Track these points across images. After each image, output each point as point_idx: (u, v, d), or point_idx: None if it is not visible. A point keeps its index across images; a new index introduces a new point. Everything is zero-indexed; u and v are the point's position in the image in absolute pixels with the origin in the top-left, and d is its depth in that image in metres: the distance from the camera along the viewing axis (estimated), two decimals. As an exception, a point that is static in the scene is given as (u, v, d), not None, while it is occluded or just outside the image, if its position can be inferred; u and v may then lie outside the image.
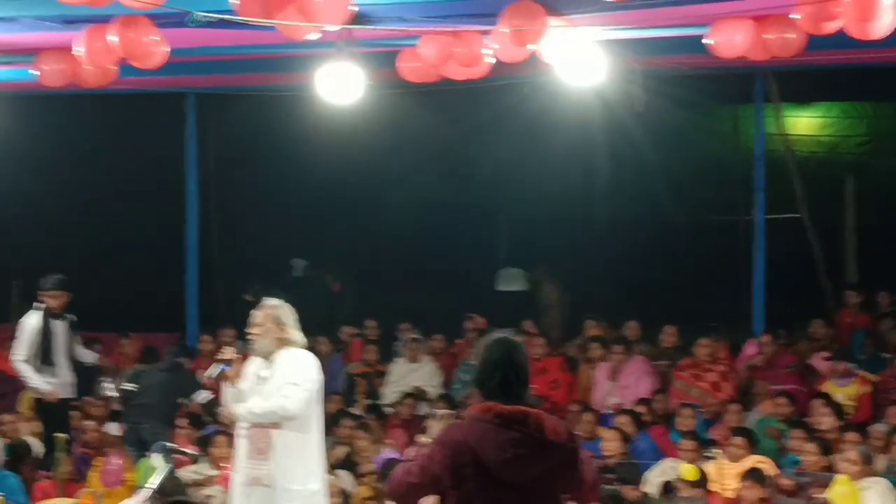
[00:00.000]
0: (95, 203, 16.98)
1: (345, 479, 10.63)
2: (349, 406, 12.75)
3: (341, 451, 11.21)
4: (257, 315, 8.48)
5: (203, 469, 10.67)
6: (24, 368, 11.50)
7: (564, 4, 8.38)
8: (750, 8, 8.50)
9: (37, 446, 11.49)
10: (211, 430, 11.51)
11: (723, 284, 15.91)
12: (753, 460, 10.17)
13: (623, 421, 11.11)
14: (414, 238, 17.69)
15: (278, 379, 8.34)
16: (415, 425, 12.02)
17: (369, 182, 17.96)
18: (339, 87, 9.25)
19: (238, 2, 7.31)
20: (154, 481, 8.37)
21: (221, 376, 8.57)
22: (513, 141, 17.15)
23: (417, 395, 12.82)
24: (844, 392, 11.51)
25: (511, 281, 17.39)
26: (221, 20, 7.62)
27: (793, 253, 14.82)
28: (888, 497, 9.37)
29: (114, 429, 11.86)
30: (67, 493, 10.29)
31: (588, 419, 11.40)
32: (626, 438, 10.74)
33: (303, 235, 17.46)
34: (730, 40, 8.72)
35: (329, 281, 17.54)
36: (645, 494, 10.09)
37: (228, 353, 8.62)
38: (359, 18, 8.27)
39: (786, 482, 9.79)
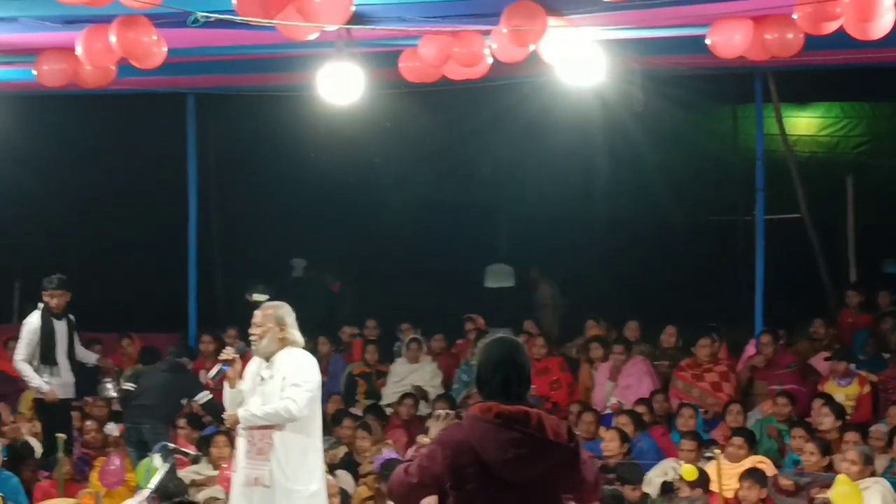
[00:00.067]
0: (96, 203, 16.97)
1: (345, 479, 10.64)
2: (349, 406, 12.75)
3: (341, 451, 11.21)
4: (258, 315, 8.49)
5: (203, 469, 10.68)
6: (24, 368, 11.50)
7: (564, 4, 8.39)
8: (749, 8, 8.50)
9: (37, 447, 11.50)
10: (211, 430, 11.52)
11: (723, 284, 15.91)
12: (753, 460, 10.17)
13: (623, 421, 11.11)
14: (414, 238, 17.69)
15: (279, 379, 8.35)
16: (415, 425, 12.03)
17: (369, 182, 17.97)
18: (339, 87, 9.25)
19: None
20: (154, 482, 8.37)
21: (222, 377, 8.58)
22: (512, 141, 17.14)
23: (418, 395, 12.84)
24: (845, 392, 11.51)
25: (499, 277, 17.39)
26: (221, 20, 7.62)
27: (793, 253, 14.82)
28: (888, 497, 9.37)
29: (114, 429, 11.87)
30: (68, 494, 10.29)
31: (589, 419, 11.39)
32: (626, 439, 10.75)
33: (303, 235, 17.46)
34: (729, 40, 8.72)
35: (329, 281, 17.55)
36: (645, 494, 10.09)
37: (229, 353, 8.63)
38: (358, 18, 8.27)
39: (786, 482, 9.79)
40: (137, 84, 11.72)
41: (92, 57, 8.70)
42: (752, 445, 10.44)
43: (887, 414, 10.98)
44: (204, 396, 11.12)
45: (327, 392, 12.25)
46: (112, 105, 14.75)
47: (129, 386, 11.54)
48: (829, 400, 10.87)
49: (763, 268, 13.01)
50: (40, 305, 11.64)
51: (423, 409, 12.62)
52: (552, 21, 8.31)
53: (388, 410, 12.67)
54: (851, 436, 10.11)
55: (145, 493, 8.29)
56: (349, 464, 11.05)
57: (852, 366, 11.75)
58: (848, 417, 10.94)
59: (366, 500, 10.38)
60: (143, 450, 10.58)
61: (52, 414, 11.52)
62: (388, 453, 10.95)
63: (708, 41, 8.78)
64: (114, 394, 12.23)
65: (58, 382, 11.56)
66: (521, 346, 5.55)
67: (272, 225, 17.47)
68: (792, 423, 10.84)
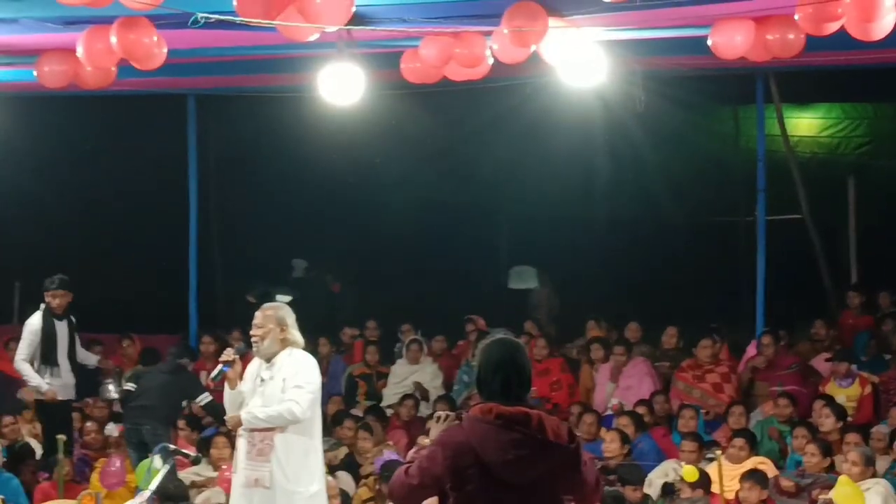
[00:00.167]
0: (96, 204, 16.97)
1: (345, 480, 10.63)
2: (350, 407, 12.75)
3: (342, 453, 11.21)
4: (258, 317, 8.49)
5: (203, 471, 10.67)
6: (24, 368, 11.50)
7: (565, 5, 8.38)
8: (751, 9, 8.49)
9: (37, 448, 11.49)
10: (211, 431, 11.51)
11: (724, 285, 15.90)
12: (754, 461, 10.16)
13: (624, 422, 11.11)
14: (414, 239, 17.69)
15: (279, 381, 8.35)
16: (415, 427, 12.03)
17: (370, 182, 17.96)
18: (340, 87, 9.25)
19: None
20: (155, 483, 8.36)
21: (223, 377, 8.57)
22: (513, 141, 17.14)
23: (419, 392, 12.85)
24: (846, 393, 11.50)
25: (523, 278, 17.32)
26: (222, 21, 7.61)
27: (794, 254, 14.81)
28: (889, 499, 9.37)
29: (113, 429, 11.86)
30: (68, 495, 10.28)
31: (589, 420, 11.39)
32: (627, 440, 10.74)
33: (303, 236, 17.46)
34: (730, 41, 8.72)
35: (329, 281, 17.55)
36: (646, 496, 10.08)
37: (229, 354, 8.63)
38: (359, 19, 8.27)
39: (787, 483, 9.79)
40: (138, 85, 11.72)
41: (92, 58, 8.70)
42: (753, 446, 10.43)
43: (888, 415, 10.98)
44: (204, 398, 11.11)
45: (327, 393, 12.25)
46: (112, 106, 14.74)
47: (129, 386, 11.54)
48: (830, 401, 10.87)
49: (764, 268, 13.00)
50: (42, 306, 11.64)
51: (424, 410, 12.61)
52: (553, 22, 8.30)
53: (389, 412, 12.67)
54: (852, 437, 10.11)
55: (145, 494, 8.27)
56: (349, 465, 11.05)
57: (853, 367, 11.75)
58: (849, 418, 10.93)
59: (366, 501, 10.38)
60: (143, 451, 10.57)
61: (52, 415, 11.51)
62: (388, 454, 10.95)
63: (709, 42, 8.77)
64: (115, 395, 12.22)
65: (58, 383, 11.55)
66: (522, 348, 5.55)
67: (273, 226, 17.46)
68: (794, 423, 10.84)
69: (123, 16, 8.16)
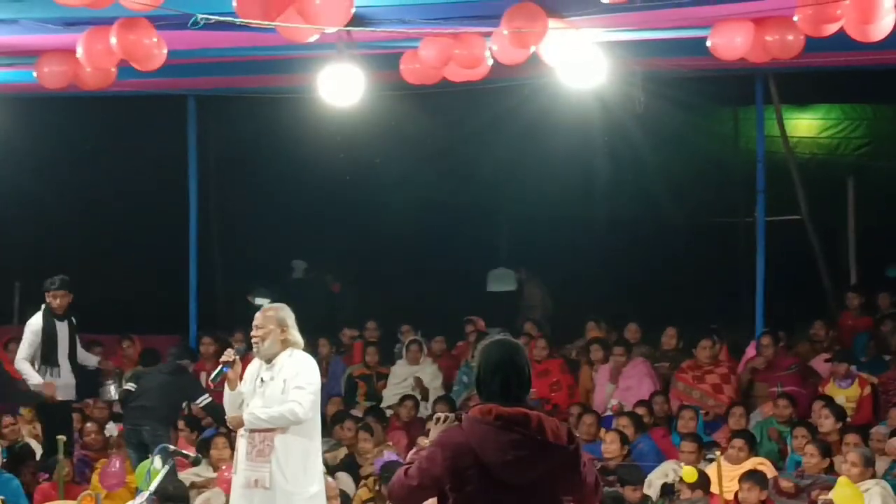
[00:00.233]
0: (96, 205, 16.97)
1: (345, 481, 10.63)
2: (349, 408, 12.75)
3: (342, 453, 11.21)
4: (259, 318, 8.49)
5: (203, 471, 10.67)
6: (24, 367, 11.50)
7: (565, 6, 8.38)
8: (750, 10, 8.49)
9: (37, 448, 11.49)
10: (210, 432, 11.51)
11: (724, 286, 15.90)
12: (754, 462, 10.17)
13: (624, 423, 11.11)
14: (414, 239, 17.69)
15: (280, 382, 8.35)
16: (415, 427, 12.03)
17: (369, 183, 17.96)
18: (340, 88, 9.25)
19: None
20: (154, 484, 8.36)
21: (223, 378, 8.57)
22: (513, 142, 17.13)
23: (420, 390, 12.86)
24: (845, 394, 11.51)
25: (501, 281, 17.37)
26: (221, 22, 7.62)
27: (794, 254, 14.81)
28: (889, 499, 9.37)
29: (112, 429, 11.85)
30: (68, 496, 10.28)
31: (589, 421, 11.39)
32: (626, 440, 10.74)
33: (303, 236, 17.45)
34: (730, 42, 8.72)
35: (329, 282, 17.54)
36: (646, 496, 10.09)
37: (230, 354, 8.63)
38: (359, 20, 8.27)
39: (786, 484, 9.79)
40: (138, 86, 11.72)
41: (92, 59, 8.71)
42: (753, 447, 10.44)
43: (888, 416, 10.97)
44: (204, 399, 11.11)
45: (327, 394, 12.25)
46: (112, 106, 14.74)
47: (129, 386, 11.54)
48: (829, 402, 10.87)
49: (764, 269, 13.00)
50: (42, 306, 11.65)
51: (424, 410, 12.62)
52: (553, 23, 8.31)
53: (389, 412, 12.67)
54: (852, 438, 10.11)
55: (145, 494, 8.27)
56: (349, 465, 11.05)
57: (853, 368, 11.76)
58: (848, 419, 10.94)
59: (366, 501, 10.38)
60: (143, 452, 10.58)
61: (52, 416, 11.52)
62: (388, 455, 10.95)
63: (709, 43, 8.78)
64: (115, 396, 12.22)
65: (59, 384, 11.55)
66: (521, 348, 5.55)
67: (272, 226, 17.46)
68: (794, 423, 10.84)
69: (123, 17, 8.17)
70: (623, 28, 9.11)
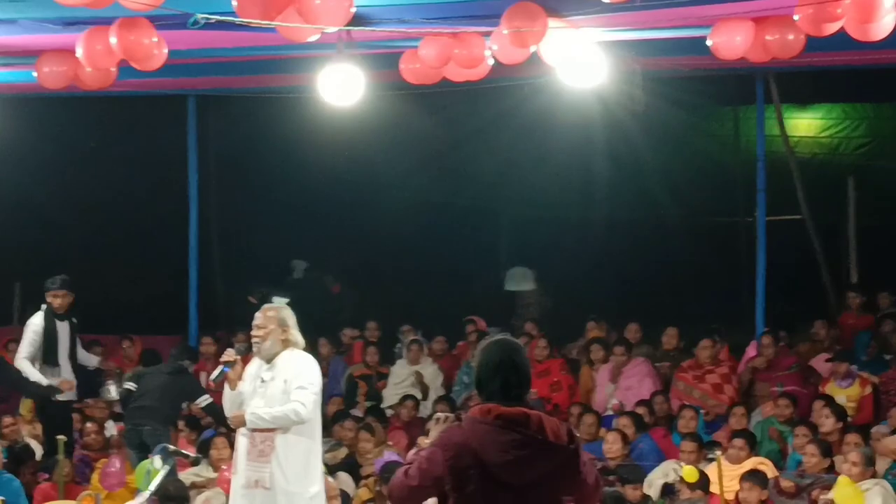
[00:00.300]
0: (96, 205, 16.97)
1: (345, 481, 10.63)
2: (350, 408, 12.74)
3: (342, 453, 11.21)
4: (259, 317, 8.49)
5: (203, 471, 10.67)
6: (25, 366, 11.49)
7: (565, 6, 8.38)
8: (750, 9, 8.49)
9: (38, 449, 11.48)
10: (210, 432, 11.51)
11: (724, 286, 15.89)
12: (754, 462, 10.16)
13: (624, 423, 11.11)
14: (414, 239, 17.68)
15: (280, 382, 8.35)
16: (415, 427, 12.02)
17: (370, 183, 17.96)
18: (340, 88, 9.25)
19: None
20: (154, 484, 8.36)
21: (224, 378, 8.57)
22: (513, 142, 17.14)
23: (420, 387, 12.86)
24: (846, 394, 11.50)
25: (520, 280, 17.30)
26: (221, 22, 7.61)
27: (794, 254, 14.81)
28: (889, 499, 9.37)
29: (112, 429, 11.84)
30: (68, 496, 10.28)
31: (589, 421, 11.39)
32: (627, 440, 10.74)
33: (303, 237, 17.45)
34: (730, 41, 8.71)
35: (329, 282, 17.54)
36: (646, 496, 10.08)
37: (230, 354, 8.63)
38: (359, 20, 8.27)
39: (786, 483, 9.79)
40: (138, 86, 11.72)
41: (92, 59, 8.70)
42: (753, 447, 10.43)
43: (888, 415, 10.97)
44: (205, 399, 11.11)
45: (328, 394, 12.25)
46: (112, 106, 14.75)
47: (130, 386, 11.53)
48: (830, 401, 10.87)
49: (764, 269, 13.00)
50: (43, 306, 11.64)
51: (424, 411, 12.62)
52: (553, 22, 8.30)
53: (389, 412, 12.67)
54: (852, 437, 10.11)
55: (145, 495, 8.28)
56: (350, 465, 11.05)
57: (853, 367, 11.75)
58: (849, 419, 10.93)
59: (366, 501, 10.38)
60: (143, 451, 10.57)
61: (52, 416, 11.51)
62: (389, 455, 10.95)
63: (709, 42, 8.77)
64: (116, 396, 12.22)
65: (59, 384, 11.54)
66: (521, 348, 5.55)
67: (273, 226, 17.47)
68: (795, 423, 10.84)
69: (123, 16, 8.16)
70: (623, 27, 9.11)
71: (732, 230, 16.77)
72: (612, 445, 10.63)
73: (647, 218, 17.33)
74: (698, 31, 8.91)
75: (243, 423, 8.43)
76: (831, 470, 9.85)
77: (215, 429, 11.35)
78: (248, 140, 17.28)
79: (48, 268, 12.22)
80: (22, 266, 15.59)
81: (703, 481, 9.77)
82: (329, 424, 11.48)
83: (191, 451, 10.34)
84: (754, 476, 9.60)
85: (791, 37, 8.64)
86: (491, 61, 9.26)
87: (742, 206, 16.20)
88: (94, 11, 7.79)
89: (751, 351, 12.58)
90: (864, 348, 12.58)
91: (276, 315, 8.48)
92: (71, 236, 16.79)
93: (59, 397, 11.52)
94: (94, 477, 10.71)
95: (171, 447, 9.13)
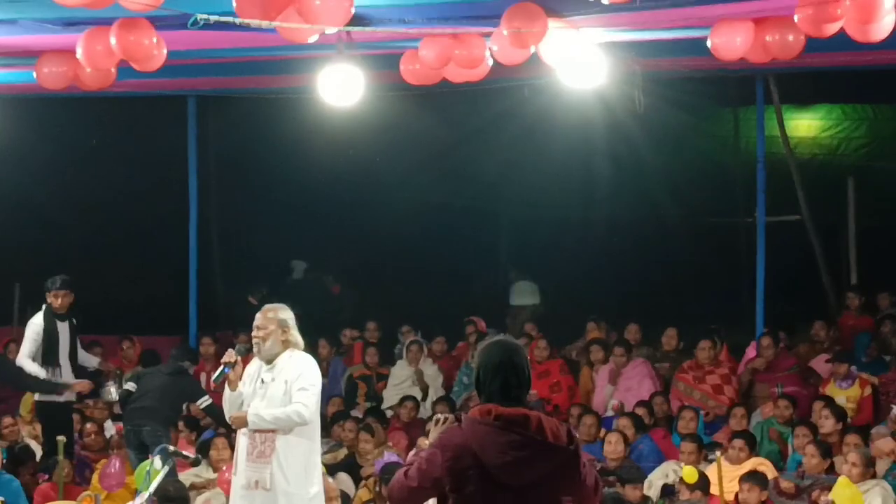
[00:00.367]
0: (96, 206, 16.97)
1: (345, 481, 10.63)
2: (350, 409, 12.74)
3: (342, 454, 11.21)
4: (259, 318, 8.49)
5: (203, 472, 10.67)
6: (27, 365, 11.48)
7: (565, 6, 8.37)
8: (750, 10, 8.49)
9: (37, 449, 11.48)
10: (210, 433, 11.50)
11: (724, 287, 15.90)
12: (754, 463, 10.16)
13: (624, 423, 11.11)
14: (415, 240, 17.69)
15: (281, 382, 8.35)
16: (415, 428, 12.02)
17: (370, 183, 17.96)
18: (340, 89, 9.25)
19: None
20: (154, 484, 8.35)
21: (224, 378, 8.57)
22: (513, 143, 17.14)
23: (420, 386, 12.85)
24: (846, 394, 11.51)
25: (525, 294, 17.21)
26: (221, 22, 7.61)
27: (794, 255, 14.81)
28: (889, 500, 9.37)
29: (114, 431, 11.83)
30: (68, 497, 10.28)
31: (589, 422, 11.39)
32: (627, 441, 10.73)
33: (303, 237, 17.45)
34: (730, 42, 8.71)
35: (329, 283, 17.54)
36: (646, 497, 10.08)
37: (231, 355, 8.63)
38: (359, 20, 8.26)
39: (786, 484, 9.79)
40: (138, 86, 11.71)
41: (92, 59, 8.70)
42: (753, 448, 10.43)
43: (888, 416, 10.97)
44: (205, 400, 11.11)
45: (327, 395, 12.24)
46: (112, 107, 14.75)
47: (130, 386, 11.53)
48: (829, 402, 10.87)
49: (764, 270, 13.00)
50: (43, 306, 11.64)
51: (424, 411, 12.61)
52: (553, 23, 8.30)
53: (389, 413, 12.67)
54: (852, 438, 10.11)
55: (145, 495, 8.27)
56: (350, 466, 11.05)
57: (853, 368, 11.76)
58: (849, 420, 10.93)
59: (366, 502, 10.37)
60: (142, 452, 10.57)
61: (52, 416, 11.50)
62: (389, 456, 10.94)
63: (709, 43, 8.77)
64: (115, 396, 12.21)
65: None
66: (521, 349, 5.55)
67: (272, 227, 17.47)
68: (794, 424, 10.84)
69: (123, 17, 8.16)
70: (623, 28, 9.10)
71: (732, 231, 16.77)
72: (612, 446, 10.63)
73: (647, 218, 17.32)
74: (698, 31, 8.90)
75: (245, 424, 8.42)
76: (831, 471, 9.85)
77: (215, 430, 11.35)
78: (248, 140, 17.28)
79: (48, 268, 12.22)
80: (22, 266, 15.58)
81: (703, 482, 9.77)
82: (329, 425, 11.49)
83: (190, 452, 10.33)
84: (754, 477, 9.60)
85: (791, 37, 8.63)
86: (491, 62, 9.26)
87: (742, 206, 16.19)
88: (94, 12, 7.79)
89: (751, 352, 12.58)
90: (864, 349, 12.58)
91: (276, 316, 8.48)
92: (71, 236, 16.79)
93: (59, 398, 11.51)
94: (94, 477, 10.71)
95: (171, 448, 9.10)
